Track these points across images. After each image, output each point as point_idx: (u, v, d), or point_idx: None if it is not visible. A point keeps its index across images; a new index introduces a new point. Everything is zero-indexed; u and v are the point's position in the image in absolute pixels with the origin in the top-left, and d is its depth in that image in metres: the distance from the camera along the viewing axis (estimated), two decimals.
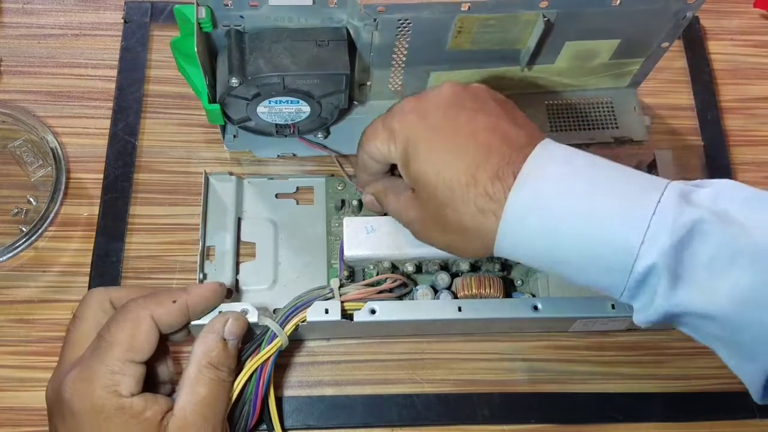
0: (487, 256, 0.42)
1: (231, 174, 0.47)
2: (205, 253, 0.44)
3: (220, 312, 0.37)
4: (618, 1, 0.40)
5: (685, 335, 0.45)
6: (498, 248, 0.33)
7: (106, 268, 0.45)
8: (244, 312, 0.38)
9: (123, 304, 0.35)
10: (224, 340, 0.36)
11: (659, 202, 0.30)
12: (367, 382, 0.43)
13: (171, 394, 0.36)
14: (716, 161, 0.51)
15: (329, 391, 0.43)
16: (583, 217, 0.31)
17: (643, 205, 0.30)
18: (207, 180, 0.46)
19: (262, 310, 0.39)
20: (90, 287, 0.44)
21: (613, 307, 0.40)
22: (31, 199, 0.47)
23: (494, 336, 0.45)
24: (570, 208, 0.31)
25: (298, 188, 0.48)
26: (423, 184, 0.35)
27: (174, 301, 0.35)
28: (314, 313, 0.38)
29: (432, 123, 0.35)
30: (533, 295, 0.44)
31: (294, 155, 0.48)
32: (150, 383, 0.36)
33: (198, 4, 0.39)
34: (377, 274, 0.42)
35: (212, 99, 0.42)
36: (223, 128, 0.47)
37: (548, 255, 0.33)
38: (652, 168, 0.45)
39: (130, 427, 0.32)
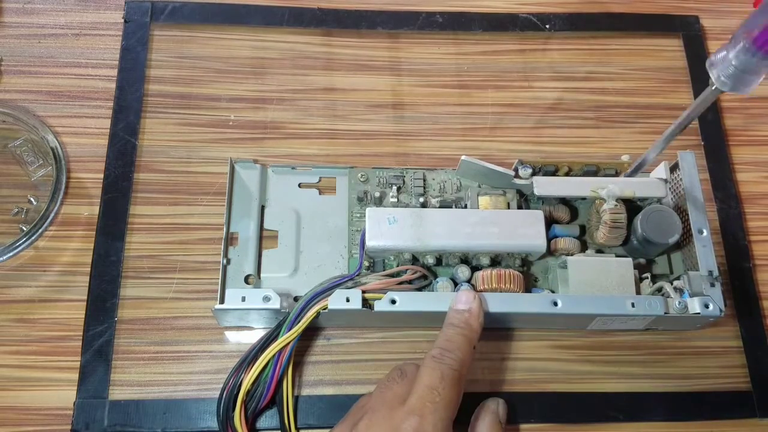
0: (508, 251, 0.42)
1: (256, 162, 0.47)
2: (229, 239, 0.45)
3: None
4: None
5: (685, 336, 0.45)
6: None
7: (106, 267, 0.45)
8: (267, 299, 0.38)
9: (454, 370, 0.36)
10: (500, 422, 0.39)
11: None
12: (367, 382, 0.43)
13: None
14: (716, 161, 0.51)
15: (329, 391, 0.43)
16: None
17: None
18: (232, 167, 0.46)
19: (284, 296, 0.40)
20: (90, 287, 0.44)
21: (633, 305, 0.40)
22: (32, 199, 0.47)
23: (494, 336, 0.45)
24: None
25: (320, 178, 0.48)
26: None
27: (474, 347, 0.38)
28: (336, 301, 0.39)
29: None
30: (553, 292, 0.43)
31: None
32: None
33: None
34: (397, 265, 0.43)
35: None
36: None
37: None
38: (674, 169, 0.45)
39: None
